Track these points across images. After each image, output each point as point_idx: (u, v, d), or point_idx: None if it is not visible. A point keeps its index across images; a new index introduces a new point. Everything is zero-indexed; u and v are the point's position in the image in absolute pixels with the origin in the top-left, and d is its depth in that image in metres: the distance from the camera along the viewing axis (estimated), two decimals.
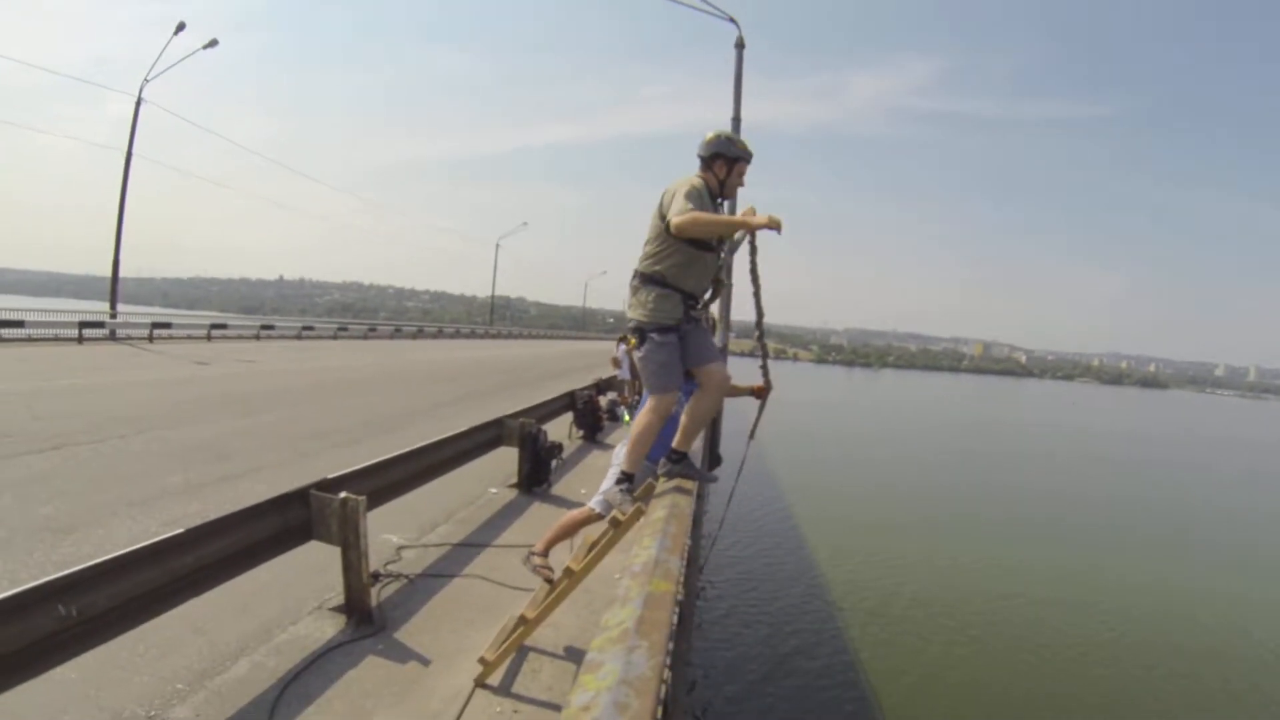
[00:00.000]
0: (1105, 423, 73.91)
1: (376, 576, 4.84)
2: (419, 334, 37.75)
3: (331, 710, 3.39)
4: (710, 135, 3.80)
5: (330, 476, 4.64)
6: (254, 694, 3.46)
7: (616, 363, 15.51)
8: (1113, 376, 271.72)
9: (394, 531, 5.85)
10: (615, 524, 3.16)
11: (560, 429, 10.43)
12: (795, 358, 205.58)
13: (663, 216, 3.60)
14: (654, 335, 3.64)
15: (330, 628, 4.20)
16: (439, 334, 40.44)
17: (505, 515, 6.86)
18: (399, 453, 5.74)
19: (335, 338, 30.29)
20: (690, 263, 3.64)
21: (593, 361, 23.54)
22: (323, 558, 4.54)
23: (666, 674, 3.50)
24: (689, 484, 3.24)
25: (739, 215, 3.40)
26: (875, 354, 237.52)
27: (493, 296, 65.50)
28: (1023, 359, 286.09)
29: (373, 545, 4.86)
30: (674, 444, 3.90)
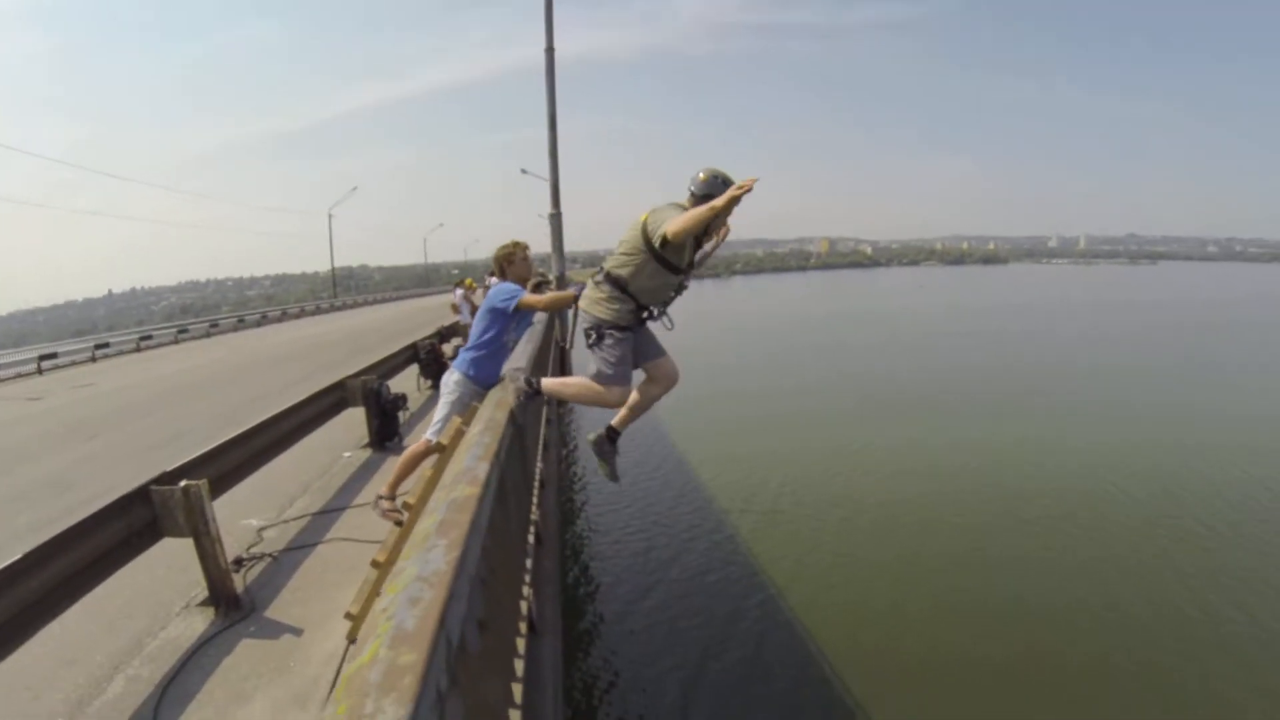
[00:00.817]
0: (952, 299, 78.92)
1: (240, 562, 4.78)
2: (263, 320, 35.83)
3: (213, 702, 3.41)
4: (704, 174, 3.84)
5: (169, 470, 4.47)
6: (134, 707, 3.42)
7: (455, 308, 15.35)
8: (955, 257, 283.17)
9: (253, 515, 5.74)
10: (440, 449, 3.24)
11: (408, 382, 10.30)
12: None
13: (645, 235, 3.79)
14: (613, 332, 3.93)
15: (201, 622, 4.15)
16: (283, 316, 38.49)
17: (361, 476, 6.86)
18: (238, 433, 5.56)
19: (177, 342, 28.31)
20: (656, 283, 3.91)
21: (439, 315, 23.02)
22: (183, 556, 4.43)
23: (528, 592, 3.67)
24: (509, 401, 3.32)
25: (708, 204, 3.46)
26: (722, 263, 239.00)
27: (333, 269, 62.55)
28: (868, 250, 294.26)
29: (233, 532, 4.82)
30: (614, 423, 4.33)
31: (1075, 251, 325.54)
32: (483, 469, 2.14)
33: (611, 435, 4.39)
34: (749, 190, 3.28)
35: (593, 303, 3.99)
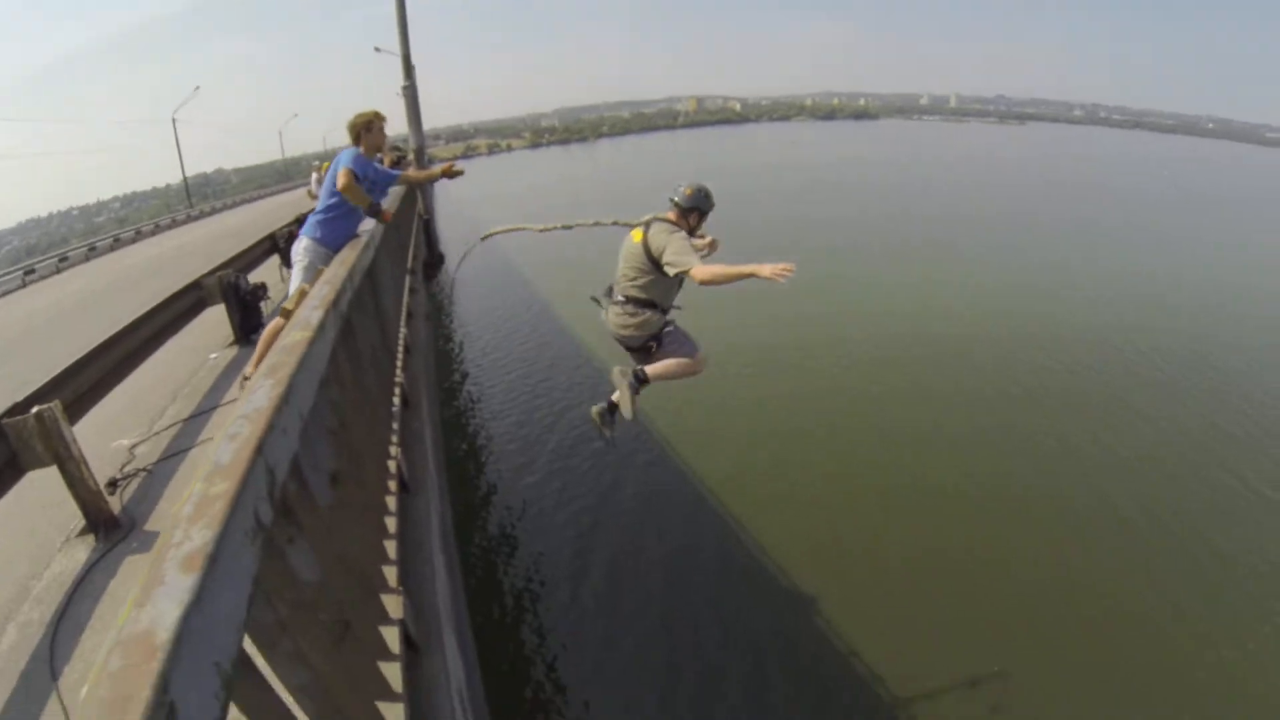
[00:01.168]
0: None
1: (115, 483, 4.56)
2: (116, 244, 33.20)
3: (105, 628, 3.29)
4: (689, 189, 4.59)
5: (19, 400, 4.12)
6: (29, 653, 3.26)
7: (313, 194, 14.60)
8: (826, 113, 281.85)
9: (124, 435, 5.45)
10: (286, 314, 3.10)
11: (271, 274, 9.77)
12: (509, 148, 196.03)
13: (648, 253, 4.44)
14: (665, 329, 4.83)
15: (83, 552, 3.96)
16: (138, 236, 35.78)
17: (230, 373, 6.56)
18: (90, 349, 5.21)
19: (25, 285, 26.13)
20: (668, 288, 4.64)
21: (299, 208, 22.01)
22: (55, 492, 4.17)
23: (396, 451, 3.62)
24: (352, 258, 3.20)
25: (749, 267, 3.95)
26: (589, 127, 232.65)
27: (184, 178, 58.10)
28: (737, 107, 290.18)
29: (106, 455, 4.66)
30: (649, 371, 4.88)
31: (946, 110, 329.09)
32: (316, 316, 2.05)
33: (640, 376, 4.90)
34: (790, 274, 3.78)
35: (634, 328, 4.72)
